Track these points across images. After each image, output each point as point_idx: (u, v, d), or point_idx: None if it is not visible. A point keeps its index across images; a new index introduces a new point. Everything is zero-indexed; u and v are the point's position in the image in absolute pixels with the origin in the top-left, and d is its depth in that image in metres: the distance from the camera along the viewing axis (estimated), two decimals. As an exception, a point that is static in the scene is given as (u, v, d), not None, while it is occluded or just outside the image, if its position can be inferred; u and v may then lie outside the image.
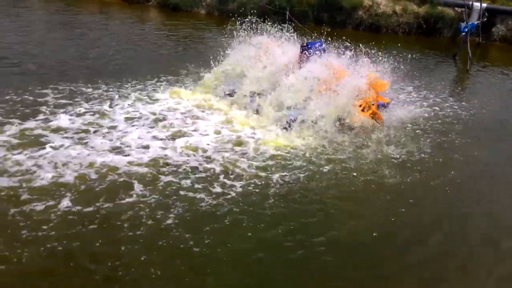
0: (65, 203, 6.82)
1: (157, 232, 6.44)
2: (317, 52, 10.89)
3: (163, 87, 11.91)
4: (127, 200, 7.06)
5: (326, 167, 8.52)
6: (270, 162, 8.55)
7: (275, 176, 8.07)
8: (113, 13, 22.13)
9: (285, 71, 10.95)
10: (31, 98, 10.54)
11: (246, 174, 8.10)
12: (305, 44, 11.33)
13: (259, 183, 7.84)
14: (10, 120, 9.28)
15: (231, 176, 7.99)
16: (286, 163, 8.58)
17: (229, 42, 12.15)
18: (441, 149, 9.88)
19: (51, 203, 6.79)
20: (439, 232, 7.20)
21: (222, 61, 11.98)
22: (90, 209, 6.79)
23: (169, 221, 6.68)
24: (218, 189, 7.54)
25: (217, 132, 9.60)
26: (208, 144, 9.03)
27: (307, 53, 11.08)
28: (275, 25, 12.36)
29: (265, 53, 11.59)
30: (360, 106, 10.28)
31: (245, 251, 6.28)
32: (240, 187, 7.66)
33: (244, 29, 12.16)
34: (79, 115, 9.88)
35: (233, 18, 13.07)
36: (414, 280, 6.24)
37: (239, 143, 9.23)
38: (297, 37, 12.17)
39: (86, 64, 13.67)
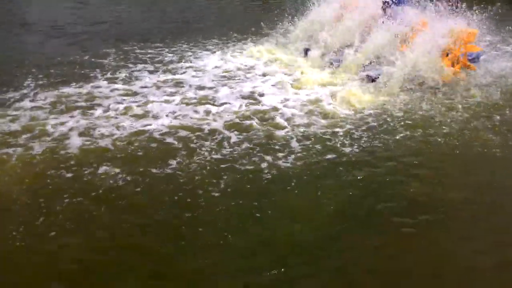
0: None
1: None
2: (401, 6, 10.45)
3: (242, 45, 12.05)
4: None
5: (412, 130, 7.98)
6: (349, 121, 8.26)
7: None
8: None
9: (365, 27, 10.65)
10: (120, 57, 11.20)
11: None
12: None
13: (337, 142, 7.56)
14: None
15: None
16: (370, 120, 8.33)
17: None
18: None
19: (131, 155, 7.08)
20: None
21: (302, 18, 11.83)
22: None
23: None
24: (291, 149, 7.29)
25: (296, 89, 9.56)
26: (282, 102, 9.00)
27: (389, 8, 10.64)
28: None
29: (346, 9, 11.29)
30: (448, 59, 9.78)
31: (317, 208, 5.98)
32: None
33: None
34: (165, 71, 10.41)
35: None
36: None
37: (315, 101, 9.02)
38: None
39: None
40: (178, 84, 9.73)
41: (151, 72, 10.33)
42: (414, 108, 8.63)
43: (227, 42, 12.55)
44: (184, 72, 10.36)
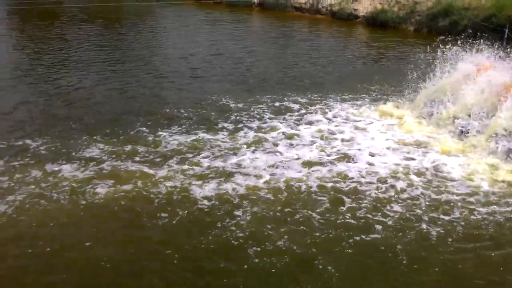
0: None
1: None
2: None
3: (368, 104, 12.08)
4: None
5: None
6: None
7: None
8: (321, 29, 23.17)
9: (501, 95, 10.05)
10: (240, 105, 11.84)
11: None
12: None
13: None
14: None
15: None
16: None
17: (438, 62, 11.64)
18: None
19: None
20: None
21: (429, 81, 11.53)
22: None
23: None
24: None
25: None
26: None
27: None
28: (491, 44, 11.41)
29: (478, 75, 10.78)
30: None
31: None
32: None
33: (455, 48, 11.51)
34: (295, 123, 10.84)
35: (443, 36, 12.52)
36: None
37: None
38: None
39: (290, 77, 14.66)
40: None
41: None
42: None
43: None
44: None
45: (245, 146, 9.53)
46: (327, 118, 11.12)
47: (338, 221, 7.13)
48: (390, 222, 7.13)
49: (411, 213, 7.37)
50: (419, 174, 8.55)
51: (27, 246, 6.45)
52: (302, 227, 6.98)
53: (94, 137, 9.68)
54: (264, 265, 6.16)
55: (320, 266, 6.17)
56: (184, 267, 6.17)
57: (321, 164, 8.86)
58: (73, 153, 8.98)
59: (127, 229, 6.94)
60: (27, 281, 5.86)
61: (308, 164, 8.85)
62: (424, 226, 7.03)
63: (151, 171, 8.35)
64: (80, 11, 27.15)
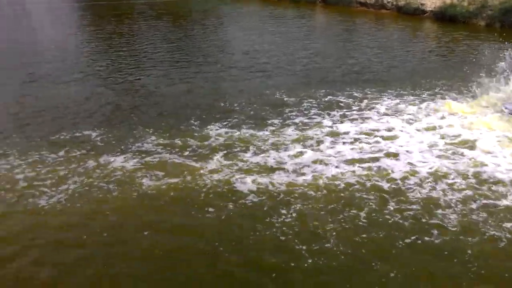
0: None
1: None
2: None
3: (437, 100, 11.52)
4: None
5: None
6: None
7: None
8: (386, 24, 22.40)
9: None
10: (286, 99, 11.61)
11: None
12: None
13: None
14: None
15: None
16: None
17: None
18: None
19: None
20: None
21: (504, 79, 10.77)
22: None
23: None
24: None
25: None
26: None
27: None
28: None
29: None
30: None
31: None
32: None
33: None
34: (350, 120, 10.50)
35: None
36: None
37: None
38: None
39: (352, 72, 14.25)
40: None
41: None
42: None
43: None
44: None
45: (292, 142, 9.37)
46: (383, 114, 10.72)
47: (388, 221, 6.82)
48: (449, 226, 6.72)
49: (476, 216, 6.91)
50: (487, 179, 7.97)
51: (82, 234, 6.68)
52: (348, 226, 6.75)
53: (148, 130, 9.92)
54: (315, 264, 6.03)
55: (376, 268, 5.95)
56: (232, 260, 6.15)
57: (369, 161, 8.58)
58: (128, 145, 9.24)
59: (179, 220, 7.04)
60: (88, 272, 6.01)
61: (358, 161, 8.59)
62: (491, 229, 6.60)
63: (199, 165, 8.42)
64: (150, 7, 28.02)
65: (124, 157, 8.72)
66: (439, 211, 7.05)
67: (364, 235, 6.56)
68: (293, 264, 6.01)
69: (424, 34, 20.32)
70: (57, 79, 13.67)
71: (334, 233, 6.58)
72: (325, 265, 6.00)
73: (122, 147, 9.16)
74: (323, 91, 12.33)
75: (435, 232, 6.57)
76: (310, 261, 6.07)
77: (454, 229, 6.63)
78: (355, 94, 12.06)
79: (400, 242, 6.39)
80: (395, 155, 8.77)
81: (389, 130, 9.88)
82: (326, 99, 11.76)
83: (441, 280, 5.78)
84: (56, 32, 21.67)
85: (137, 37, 19.81)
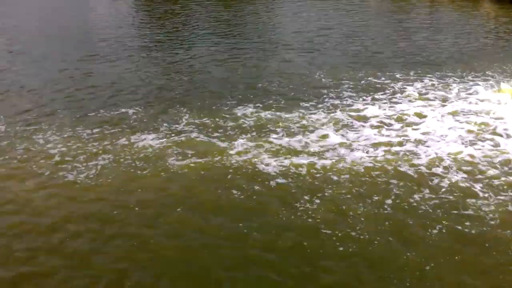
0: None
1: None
2: None
3: (484, 83, 10.94)
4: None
5: None
6: None
7: None
8: (443, 4, 21.23)
9: None
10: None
11: None
12: None
13: None
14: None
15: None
16: None
17: None
18: None
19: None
20: None
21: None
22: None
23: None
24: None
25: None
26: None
27: None
28: None
29: None
30: None
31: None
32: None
33: None
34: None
35: None
36: None
37: None
38: None
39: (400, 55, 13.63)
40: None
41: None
42: None
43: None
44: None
45: (321, 125, 9.09)
46: (431, 98, 10.24)
47: (418, 208, 6.50)
48: (488, 215, 6.32)
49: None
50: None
51: (115, 208, 6.78)
52: (375, 211, 6.48)
53: (182, 109, 9.92)
54: (344, 250, 5.84)
55: (407, 255, 5.69)
56: (258, 242, 6.05)
57: (404, 146, 8.26)
58: (161, 124, 9.27)
59: (206, 198, 6.98)
60: (123, 244, 6.08)
61: (397, 144, 8.23)
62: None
63: (227, 145, 8.33)
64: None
65: (156, 135, 8.75)
66: (473, 200, 6.65)
67: (390, 221, 6.26)
68: (320, 251, 5.83)
69: (482, 15, 19.07)
70: (110, 57, 14.00)
71: (363, 218, 6.36)
72: (351, 253, 5.78)
73: (155, 125, 9.20)
74: (365, 72, 11.91)
75: (467, 222, 6.19)
76: (336, 246, 5.88)
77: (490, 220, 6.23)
78: (400, 76, 11.55)
79: (430, 230, 6.05)
80: (423, 142, 8.44)
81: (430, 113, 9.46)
82: (371, 81, 11.38)
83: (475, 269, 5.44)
84: (110, 11, 22.07)
85: (189, 17, 19.92)
